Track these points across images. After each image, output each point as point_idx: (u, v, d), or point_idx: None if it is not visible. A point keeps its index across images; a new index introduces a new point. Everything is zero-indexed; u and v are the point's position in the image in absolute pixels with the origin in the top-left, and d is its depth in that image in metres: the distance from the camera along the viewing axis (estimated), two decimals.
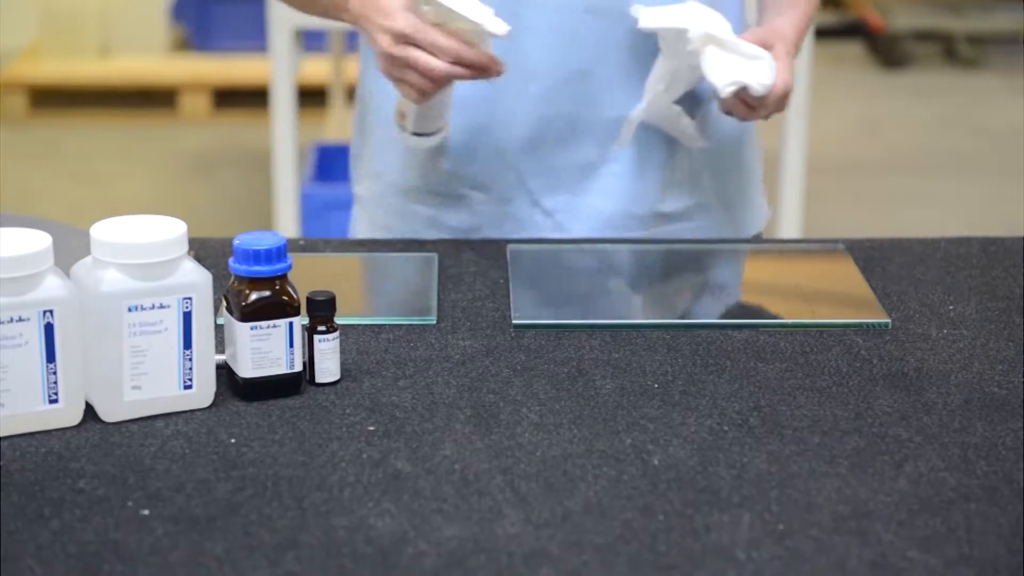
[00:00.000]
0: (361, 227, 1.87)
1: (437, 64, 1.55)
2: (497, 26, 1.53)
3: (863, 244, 1.76)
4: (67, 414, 1.29)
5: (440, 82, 1.58)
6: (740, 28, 1.71)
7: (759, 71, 1.61)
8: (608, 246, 1.74)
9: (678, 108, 1.69)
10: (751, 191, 1.86)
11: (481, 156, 1.74)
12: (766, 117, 1.69)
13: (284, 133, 3.46)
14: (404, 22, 1.56)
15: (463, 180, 1.76)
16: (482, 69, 1.57)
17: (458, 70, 1.56)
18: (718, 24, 1.62)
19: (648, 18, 1.63)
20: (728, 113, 1.68)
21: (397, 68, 1.58)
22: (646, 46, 1.68)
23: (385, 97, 1.76)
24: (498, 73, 1.57)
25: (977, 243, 1.77)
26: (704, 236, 1.78)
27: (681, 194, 1.77)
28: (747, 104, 1.65)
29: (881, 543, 1.13)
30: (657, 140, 1.74)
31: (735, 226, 1.82)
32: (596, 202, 1.75)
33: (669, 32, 1.63)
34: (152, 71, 5.69)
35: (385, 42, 1.57)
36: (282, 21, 3.40)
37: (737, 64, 1.61)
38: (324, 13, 1.72)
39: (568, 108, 1.70)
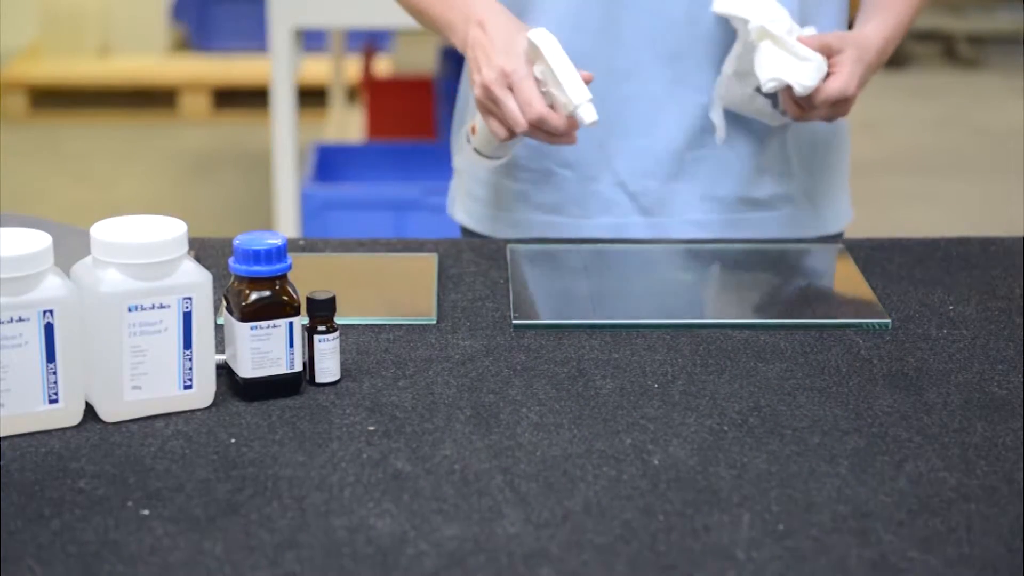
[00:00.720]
0: (458, 199, 1.90)
1: (519, 119, 1.59)
2: (587, 114, 1.57)
3: (863, 244, 1.76)
4: (67, 414, 1.29)
5: (515, 134, 1.61)
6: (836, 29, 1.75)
7: (804, 72, 1.64)
8: (608, 246, 1.74)
9: (750, 91, 1.71)
10: (837, 189, 1.87)
11: None
12: (825, 118, 1.71)
13: (284, 133, 3.46)
14: (513, 64, 1.59)
15: (551, 156, 1.79)
16: (559, 136, 1.60)
17: (536, 133, 1.60)
18: (780, 20, 1.65)
19: (721, 3, 1.68)
20: (783, 113, 1.71)
21: (487, 102, 1.61)
22: (732, 33, 1.71)
23: None
24: (570, 143, 1.62)
25: (977, 243, 1.77)
26: (788, 228, 1.80)
27: (768, 182, 1.79)
28: (797, 104, 1.68)
29: (881, 543, 1.13)
30: (746, 128, 1.76)
31: (819, 222, 1.84)
32: (681, 187, 1.77)
33: (737, 20, 1.67)
34: (152, 71, 5.70)
35: (489, 76, 1.60)
36: (282, 21, 3.39)
37: (784, 62, 1.64)
38: (432, 27, 1.77)
39: (657, 89, 1.73)
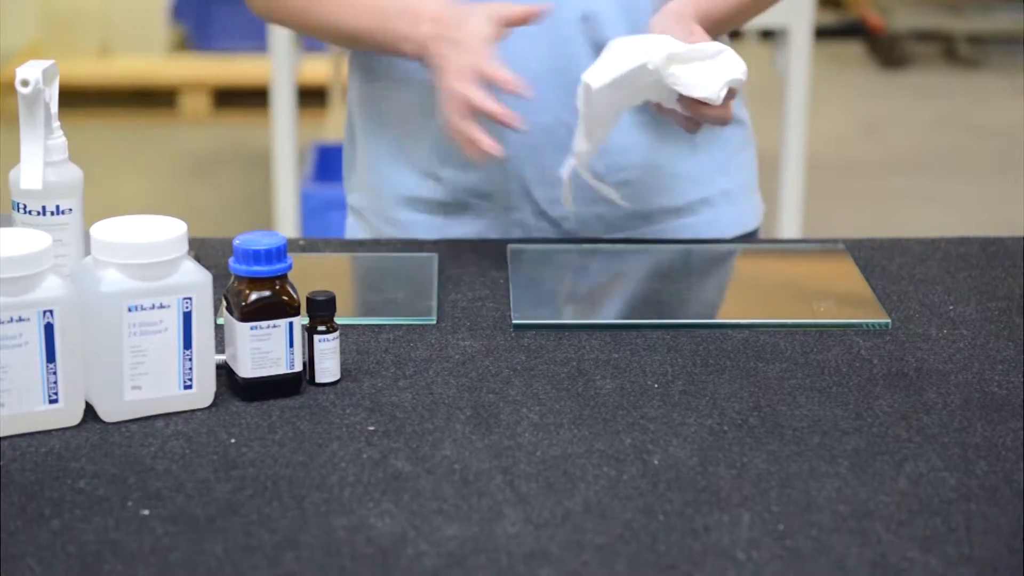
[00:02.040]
0: (359, 236, 1.85)
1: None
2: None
3: (863, 244, 1.76)
4: (67, 414, 1.29)
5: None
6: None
7: (730, 64, 1.56)
8: (608, 246, 1.74)
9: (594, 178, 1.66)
10: (750, 185, 1.86)
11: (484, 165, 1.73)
12: (719, 118, 1.62)
13: (284, 133, 3.46)
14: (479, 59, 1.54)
15: (466, 190, 1.76)
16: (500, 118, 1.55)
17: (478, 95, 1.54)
18: (664, 43, 1.56)
19: (597, 77, 1.56)
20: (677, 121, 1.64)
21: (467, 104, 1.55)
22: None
23: (374, 104, 1.76)
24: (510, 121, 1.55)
25: (977, 243, 1.77)
26: (708, 230, 1.79)
27: (685, 190, 1.78)
28: (693, 118, 1.61)
29: (881, 543, 1.13)
30: (659, 141, 1.74)
31: (737, 220, 1.82)
32: (602, 209, 1.75)
33: (624, 77, 1.56)
34: (152, 71, 5.70)
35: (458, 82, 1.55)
36: None
37: (708, 69, 1.56)
38: (374, 47, 1.69)
39: (567, 116, 1.69)
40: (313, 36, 1.79)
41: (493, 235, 1.77)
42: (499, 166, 1.70)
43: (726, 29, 1.73)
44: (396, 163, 1.78)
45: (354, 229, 1.86)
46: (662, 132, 1.74)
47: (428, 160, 1.75)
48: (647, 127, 1.74)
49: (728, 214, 1.81)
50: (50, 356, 1.27)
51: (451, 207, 1.77)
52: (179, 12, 5.86)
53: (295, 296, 1.35)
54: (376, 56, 1.74)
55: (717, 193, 1.80)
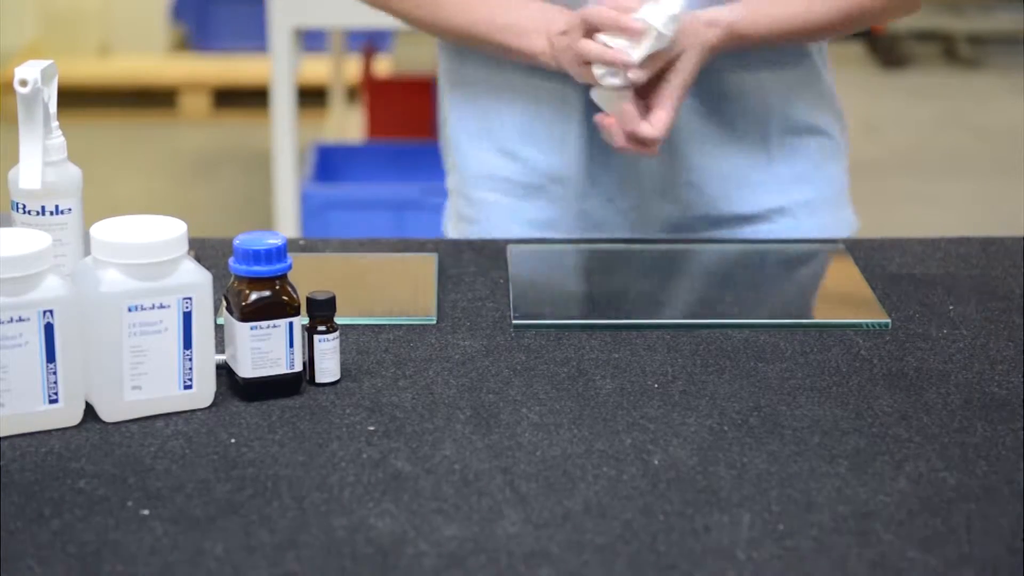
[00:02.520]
0: (450, 220, 1.88)
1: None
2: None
3: (863, 244, 1.76)
4: (67, 414, 1.29)
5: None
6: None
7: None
8: (608, 246, 1.74)
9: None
10: (836, 198, 1.84)
11: (561, 148, 1.75)
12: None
13: (284, 133, 3.46)
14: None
15: (544, 172, 1.77)
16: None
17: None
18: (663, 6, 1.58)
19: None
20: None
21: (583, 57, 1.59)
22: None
23: (460, 81, 1.79)
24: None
25: (977, 243, 1.77)
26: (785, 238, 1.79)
27: (758, 199, 1.78)
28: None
29: (881, 543, 1.13)
30: (730, 148, 1.75)
31: (821, 231, 1.80)
32: (668, 207, 1.76)
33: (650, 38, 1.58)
34: (152, 71, 5.70)
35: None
36: (282, 21, 3.40)
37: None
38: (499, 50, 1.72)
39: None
40: (420, 30, 1.80)
41: (562, 226, 1.78)
42: (575, 150, 1.72)
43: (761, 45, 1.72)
44: (479, 140, 1.79)
45: (448, 212, 1.89)
46: (735, 139, 1.75)
47: (510, 138, 1.76)
48: (718, 135, 1.74)
49: (809, 225, 1.80)
50: (50, 356, 1.27)
51: (527, 189, 1.79)
52: (179, 12, 5.86)
53: (295, 296, 1.35)
54: None
55: (797, 203, 1.79)
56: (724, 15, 1.64)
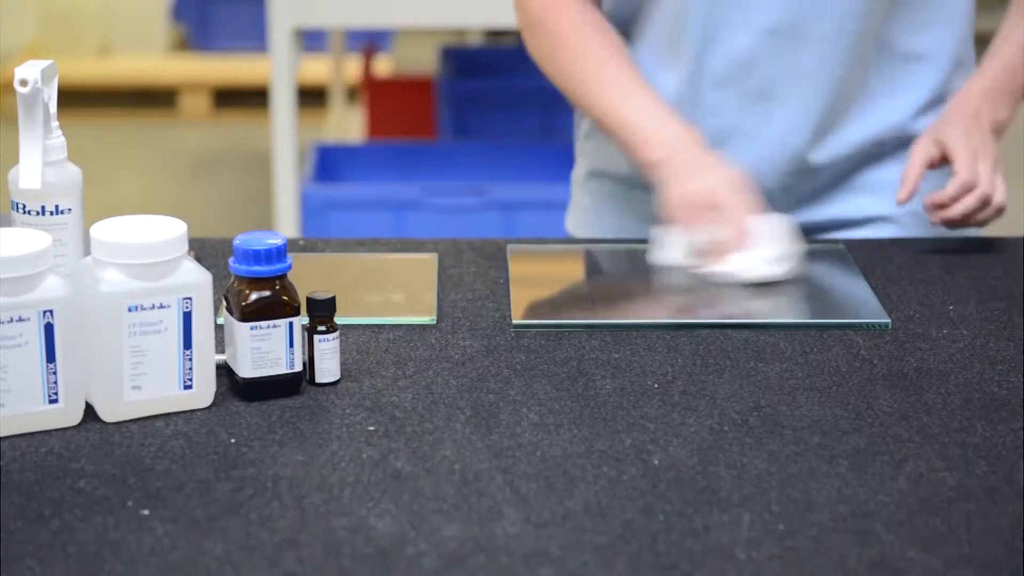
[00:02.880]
0: (570, 213, 1.91)
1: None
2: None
3: (863, 244, 1.76)
4: (67, 414, 1.29)
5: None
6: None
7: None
8: (607, 246, 1.74)
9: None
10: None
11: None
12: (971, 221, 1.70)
13: (284, 133, 3.46)
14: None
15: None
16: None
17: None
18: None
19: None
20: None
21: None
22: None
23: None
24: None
25: (977, 243, 1.77)
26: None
27: (866, 205, 1.81)
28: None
29: (881, 543, 1.13)
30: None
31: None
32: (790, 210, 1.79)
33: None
34: (152, 71, 5.70)
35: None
36: (282, 21, 3.39)
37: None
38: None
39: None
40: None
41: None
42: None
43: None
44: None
45: (573, 208, 1.92)
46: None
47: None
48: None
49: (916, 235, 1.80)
50: (50, 356, 1.27)
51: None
52: (179, 12, 5.86)
53: (295, 296, 1.35)
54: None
55: (903, 212, 1.79)
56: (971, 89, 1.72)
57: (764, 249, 1.61)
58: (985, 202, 1.68)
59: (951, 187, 1.68)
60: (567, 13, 1.73)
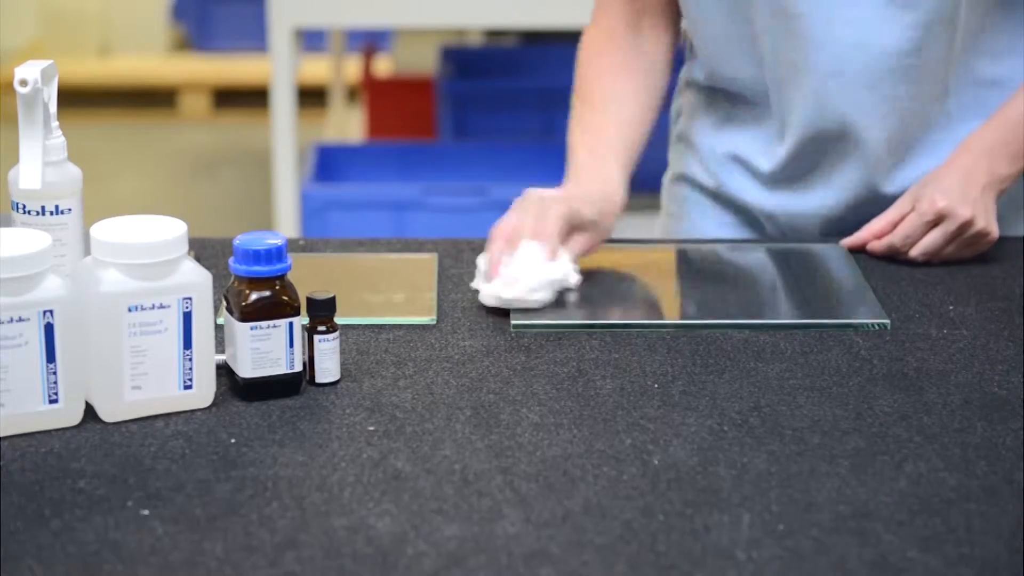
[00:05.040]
0: (661, 219, 1.94)
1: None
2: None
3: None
4: (67, 414, 1.29)
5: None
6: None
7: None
8: (607, 246, 1.74)
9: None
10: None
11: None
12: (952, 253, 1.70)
13: (284, 133, 3.46)
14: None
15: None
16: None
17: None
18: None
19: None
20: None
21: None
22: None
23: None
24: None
25: None
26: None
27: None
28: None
29: (881, 543, 1.13)
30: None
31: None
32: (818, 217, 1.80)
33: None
34: (152, 71, 5.70)
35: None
36: (282, 21, 3.39)
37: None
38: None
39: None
40: None
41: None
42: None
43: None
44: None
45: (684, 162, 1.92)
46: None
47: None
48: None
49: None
50: (50, 356, 1.27)
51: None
52: (179, 12, 5.87)
53: (295, 296, 1.35)
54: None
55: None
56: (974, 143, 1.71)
57: (527, 276, 1.55)
58: (934, 222, 1.67)
59: (884, 216, 1.71)
60: (597, 61, 1.79)
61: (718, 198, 1.85)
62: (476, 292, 1.58)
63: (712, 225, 1.85)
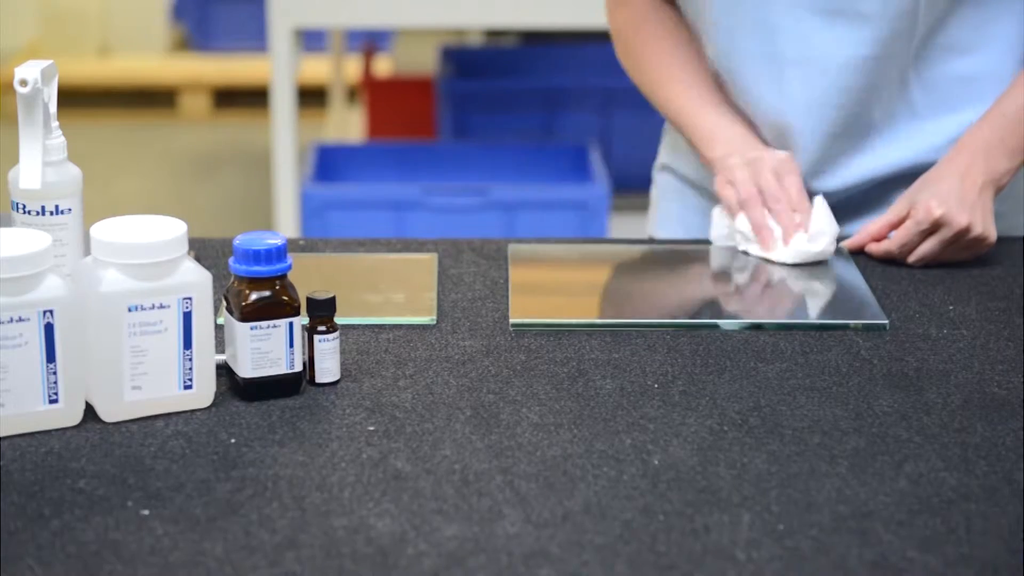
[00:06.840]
0: (656, 217, 1.94)
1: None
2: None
3: None
4: (67, 414, 1.29)
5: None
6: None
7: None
8: (607, 246, 1.74)
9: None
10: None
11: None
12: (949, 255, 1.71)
13: (284, 133, 3.46)
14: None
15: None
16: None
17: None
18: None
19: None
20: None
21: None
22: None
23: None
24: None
25: None
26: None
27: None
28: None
29: (881, 543, 1.13)
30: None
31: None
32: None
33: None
34: (152, 71, 5.70)
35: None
36: (282, 21, 3.39)
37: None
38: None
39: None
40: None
41: None
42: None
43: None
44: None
45: (656, 211, 1.95)
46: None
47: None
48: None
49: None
50: (50, 356, 1.27)
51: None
52: (179, 12, 5.87)
53: (295, 296, 1.35)
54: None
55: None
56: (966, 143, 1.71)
57: (806, 232, 1.68)
58: (931, 231, 1.67)
59: (881, 219, 1.71)
60: (644, 27, 1.81)
61: (701, 190, 1.85)
62: (477, 293, 1.58)
63: (693, 215, 1.86)
